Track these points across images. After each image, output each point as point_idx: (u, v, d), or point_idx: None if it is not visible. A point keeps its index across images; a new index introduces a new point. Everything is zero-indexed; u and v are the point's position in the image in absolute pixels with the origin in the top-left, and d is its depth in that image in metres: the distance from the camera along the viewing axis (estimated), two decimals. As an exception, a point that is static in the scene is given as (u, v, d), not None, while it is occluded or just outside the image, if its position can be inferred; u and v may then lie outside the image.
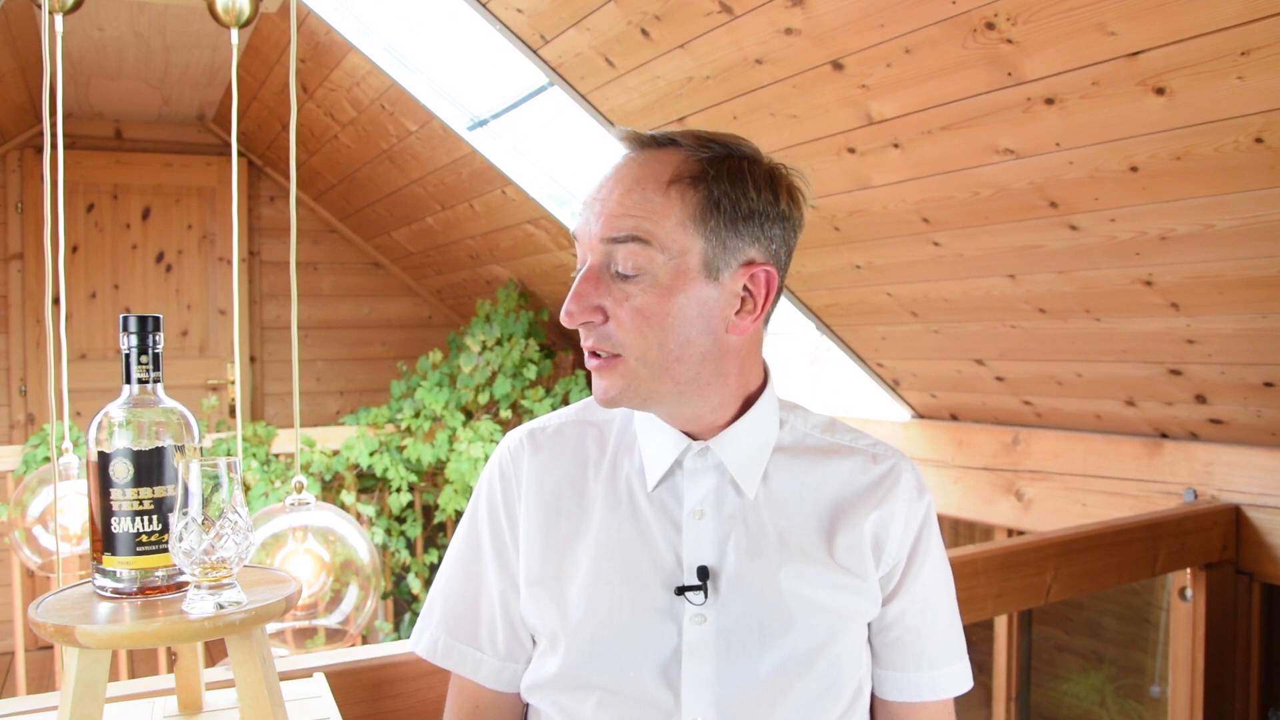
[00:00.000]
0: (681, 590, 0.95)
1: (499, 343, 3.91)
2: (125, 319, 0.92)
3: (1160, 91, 1.49)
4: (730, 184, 0.93)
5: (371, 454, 3.70)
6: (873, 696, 1.05)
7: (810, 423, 1.05)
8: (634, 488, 1.00)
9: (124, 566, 0.90)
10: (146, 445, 0.90)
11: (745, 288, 0.94)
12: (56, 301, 1.77)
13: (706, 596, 0.95)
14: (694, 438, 0.99)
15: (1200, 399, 2.13)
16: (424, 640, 1.06)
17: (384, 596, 3.68)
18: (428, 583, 3.65)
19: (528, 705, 1.05)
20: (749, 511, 0.98)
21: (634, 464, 1.02)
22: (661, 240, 0.91)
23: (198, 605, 0.85)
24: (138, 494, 0.89)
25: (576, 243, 0.97)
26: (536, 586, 1.00)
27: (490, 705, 1.05)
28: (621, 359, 0.93)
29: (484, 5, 2.30)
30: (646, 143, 0.96)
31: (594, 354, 0.95)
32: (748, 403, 1.01)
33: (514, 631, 1.03)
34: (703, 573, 0.95)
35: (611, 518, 0.99)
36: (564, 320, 0.93)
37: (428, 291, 5.14)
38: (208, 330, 4.76)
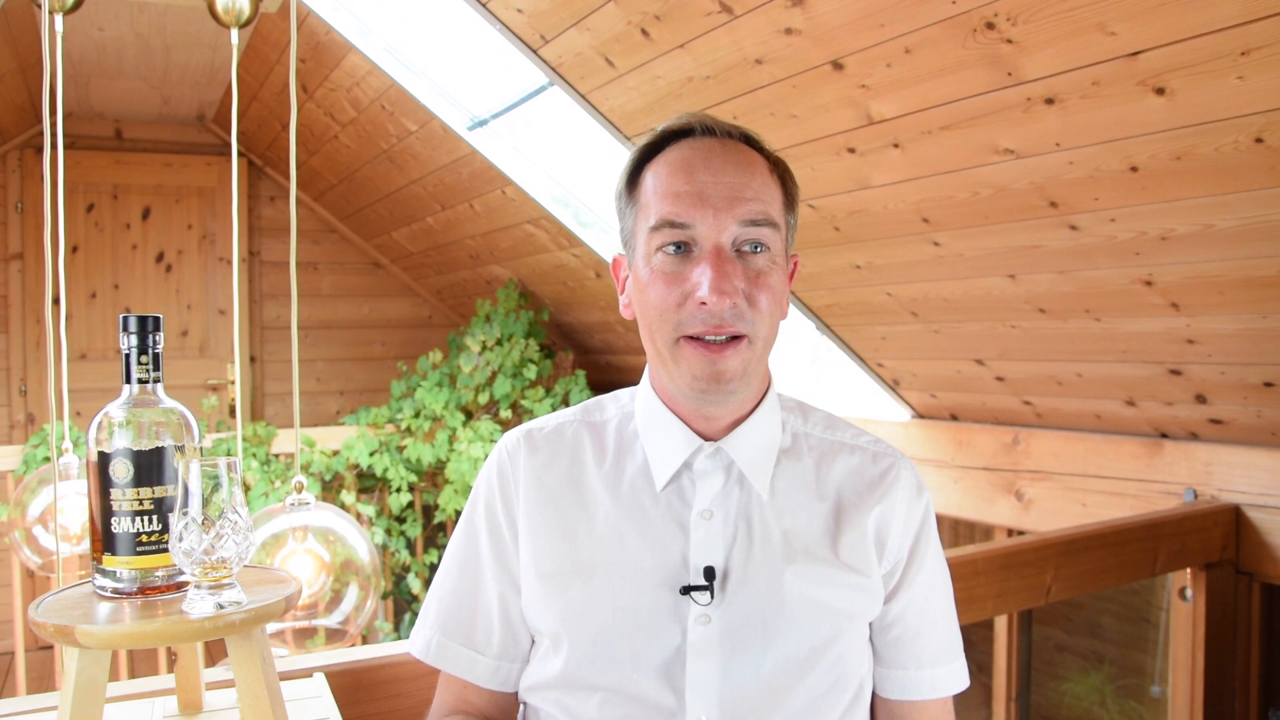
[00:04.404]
0: (687, 590, 0.94)
1: (499, 343, 3.91)
2: (125, 319, 0.92)
3: (1160, 91, 1.49)
4: (790, 179, 1.00)
5: (371, 454, 3.69)
6: (873, 695, 1.05)
7: (811, 421, 1.06)
8: (638, 488, 1.00)
9: (124, 566, 0.90)
10: (146, 445, 0.90)
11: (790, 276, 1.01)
12: (56, 301, 1.77)
13: (713, 597, 0.94)
14: (702, 437, 0.99)
15: (1200, 399, 2.13)
16: (418, 641, 1.06)
17: (384, 596, 3.68)
18: (428, 583, 3.64)
19: (525, 705, 1.04)
20: (755, 511, 0.98)
21: (637, 464, 1.01)
22: (779, 224, 0.95)
23: (198, 605, 0.85)
24: (138, 494, 0.89)
25: (674, 228, 0.92)
26: (538, 587, 0.99)
27: (487, 705, 1.04)
28: (746, 339, 0.93)
29: (484, 5, 2.30)
30: (719, 131, 0.97)
31: (704, 337, 0.91)
32: (756, 401, 1.01)
33: (512, 631, 1.03)
34: (709, 573, 0.95)
35: (615, 518, 0.99)
36: (712, 301, 0.89)
37: (428, 291, 5.14)
38: (208, 330, 4.76)
